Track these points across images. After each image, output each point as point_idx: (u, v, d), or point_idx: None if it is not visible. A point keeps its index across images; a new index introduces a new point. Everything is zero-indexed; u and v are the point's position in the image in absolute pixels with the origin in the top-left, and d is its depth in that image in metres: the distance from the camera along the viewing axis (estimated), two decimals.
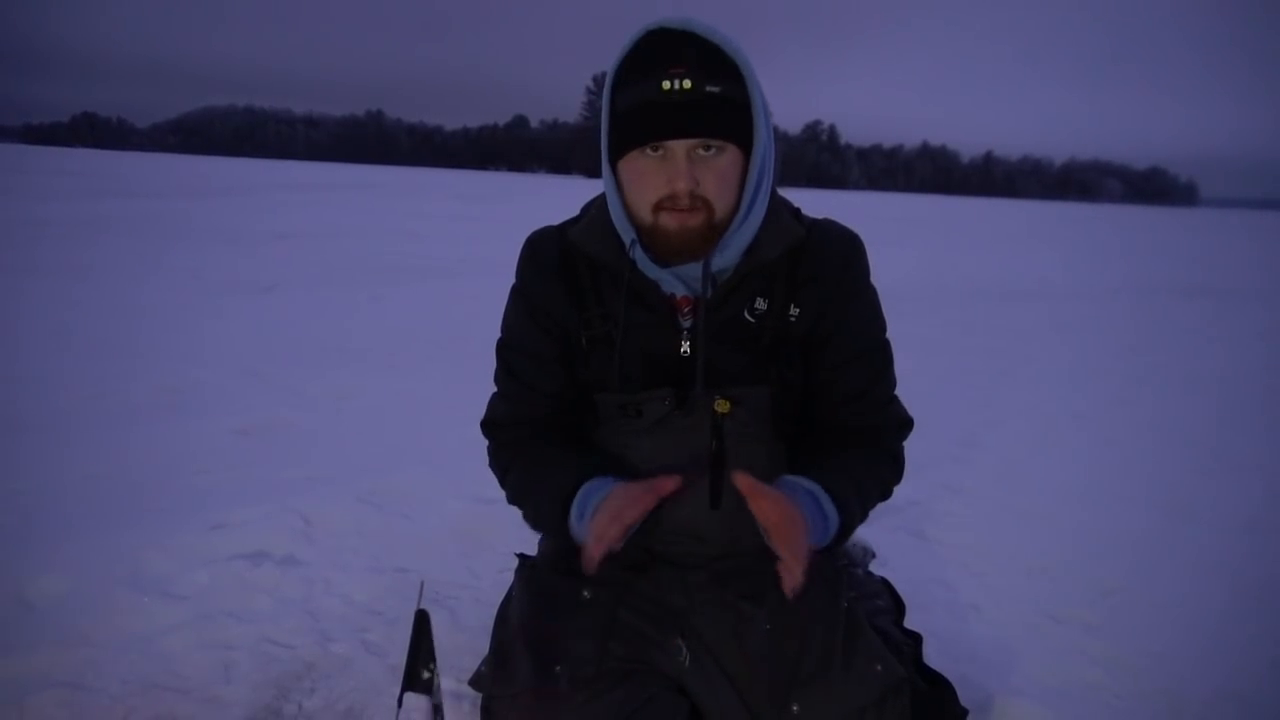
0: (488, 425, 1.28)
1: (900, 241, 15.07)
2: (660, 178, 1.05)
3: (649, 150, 1.05)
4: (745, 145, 1.07)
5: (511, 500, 1.24)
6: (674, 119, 1.03)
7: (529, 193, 31.64)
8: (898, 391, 1.25)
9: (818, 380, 1.20)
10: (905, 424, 1.25)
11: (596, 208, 1.19)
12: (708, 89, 1.02)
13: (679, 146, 1.04)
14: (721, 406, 1.14)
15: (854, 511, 1.11)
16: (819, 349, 1.19)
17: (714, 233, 1.08)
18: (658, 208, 1.07)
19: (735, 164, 1.07)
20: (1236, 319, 7.97)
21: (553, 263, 1.20)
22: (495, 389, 1.27)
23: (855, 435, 1.21)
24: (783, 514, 0.98)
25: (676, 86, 1.02)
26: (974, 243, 17.37)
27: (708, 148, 1.05)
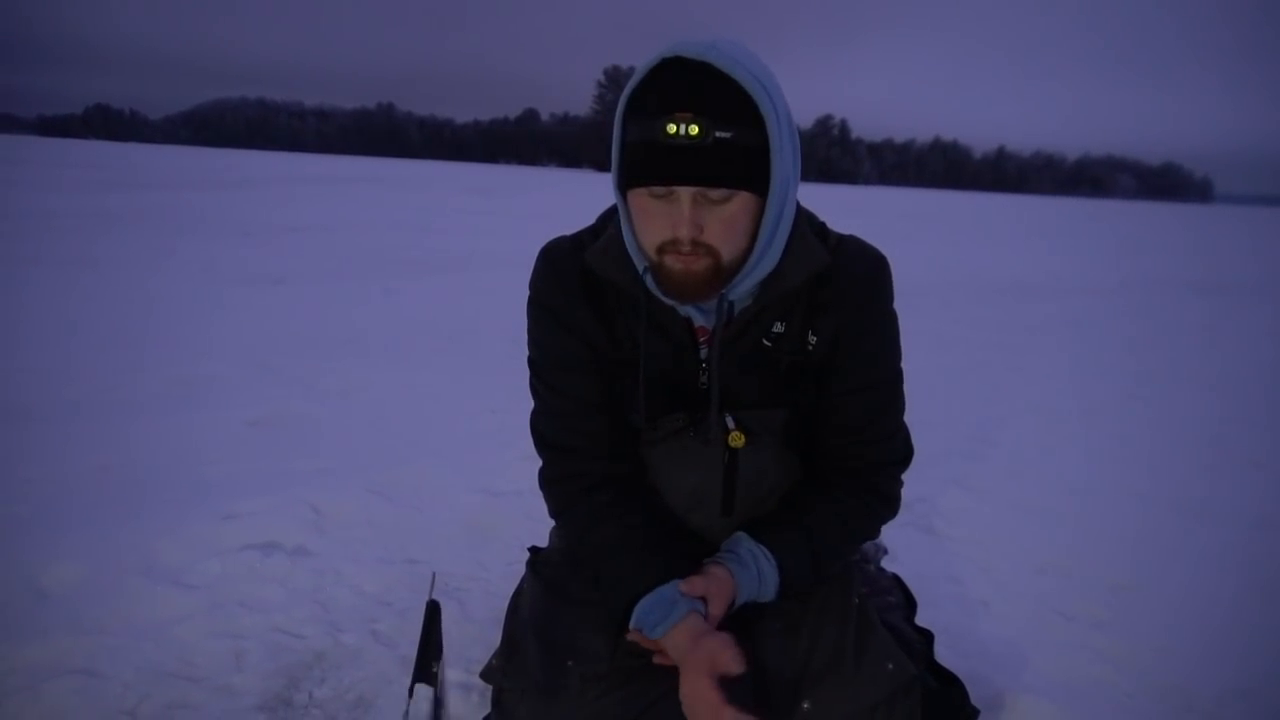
0: (542, 444, 1.22)
1: (911, 237, 14.98)
2: (664, 221, 1.00)
3: (655, 191, 1.00)
4: (762, 188, 1.01)
5: (580, 555, 1.20)
6: (677, 165, 0.97)
7: (539, 186, 31.62)
8: (906, 419, 1.22)
9: (824, 406, 1.18)
10: (903, 460, 1.22)
11: (615, 226, 1.13)
12: (717, 135, 0.95)
13: (684, 192, 0.98)
14: (736, 441, 1.13)
15: (796, 582, 1.13)
16: (830, 375, 1.16)
17: (721, 277, 1.03)
18: (661, 250, 1.03)
19: (747, 209, 1.01)
20: (1249, 316, 7.90)
21: (574, 282, 1.15)
22: (535, 405, 1.23)
23: (848, 473, 1.19)
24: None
25: (682, 131, 0.95)
26: (985, 238, 17.27)
27: (715, 195, 0.99)
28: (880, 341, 1.17)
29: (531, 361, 1.22)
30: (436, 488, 2.68)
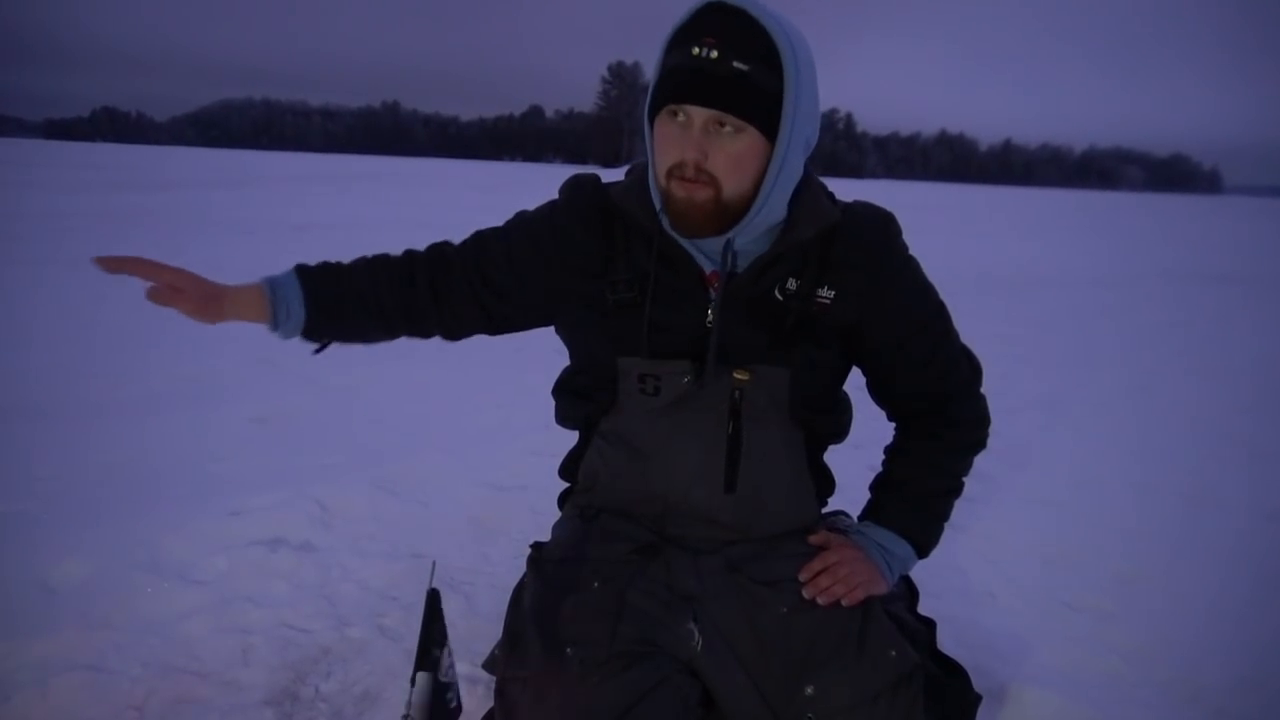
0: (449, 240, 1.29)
1: (917, 230, 14.86)
2: (676, 144, 1.06)
3: (675, 116, 1.06)
4: (771, 132, 1.06)
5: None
6: (692, 85, 1.03)
7: (544, 183, 31.62)
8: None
9: (882, 362, 1.23)
10: (973, 378, 1.29)
11: (640, 169, 1.19)
12: (735, 65, 1.01)
13: (697, 116, 1.04)
14: (741, 374, 1.14)
15: (930, 541, 1.32)
16: (870, 334, 1.19)
17: (723, 213, 1.07)
18: (670, 174, 1.07)
19: (755, 149, 1.05)
20: (1259, 307, 7.86)
21: (590, 211, 1.20)
22: (484, 230, 1.28)
23: (930, 414, 1.26)
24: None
25: (704, 54, 1.02)
26: (992, 231, 17.21)
27: (727, 124, 1.04)
28: (909, 284, 1.21)
29: (509, 222, 1.27)
30: (442, 483, 2.69)
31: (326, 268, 1.21)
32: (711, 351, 1.13)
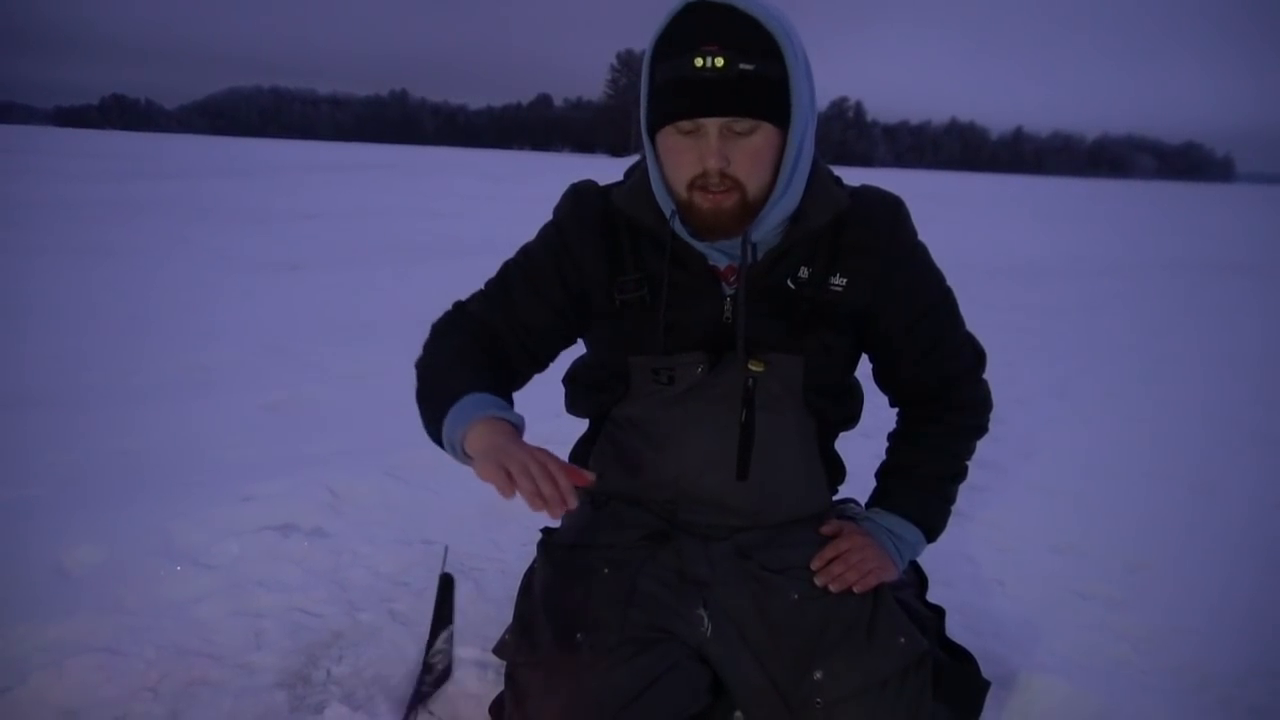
0: (460, 305, 1.27)
1: (927, 220, 14.79)
2: (692, 155, 1.05)
3: (682, 126, 1.04)
4: (783, 122, 1.06)
5: (418, 378, 1.22)
6: (705, 97, 1.01)
7: (552, 171, 31.57)
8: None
9: (890, 346, 1.23)
10: (976, 364, 1.29)
11: (640, 173, 1.18)
12: (741, 67, 1.00)
13: (711, 125, 1.03)
14: (756, 365, 1.15)
15: (939, 524, 1.31)
16: (881, 318, 1.20)
17: (748, 211, 1.08)
18: (691, 186, 1.07)
19: (770, 142, 1.06)
20: (1270, 296, 7.80)
21: (594, 219, 1.20)
22: (479, 291, 1.27)
23: (932, 399, 1.27)
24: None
25: (709, 64, 1.00)
26: (1003, 220, 17.11)
27: (741, 126, 1.03)
28: (918, 269, 1.22)
29: (510, 261, 1.26)
30: (451, 470, 2.65)
31: (483, 377, 1.15)
32: (741, 346, 1.14)
